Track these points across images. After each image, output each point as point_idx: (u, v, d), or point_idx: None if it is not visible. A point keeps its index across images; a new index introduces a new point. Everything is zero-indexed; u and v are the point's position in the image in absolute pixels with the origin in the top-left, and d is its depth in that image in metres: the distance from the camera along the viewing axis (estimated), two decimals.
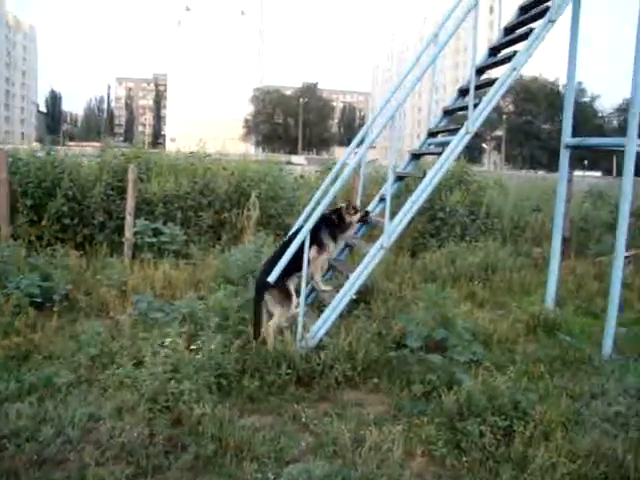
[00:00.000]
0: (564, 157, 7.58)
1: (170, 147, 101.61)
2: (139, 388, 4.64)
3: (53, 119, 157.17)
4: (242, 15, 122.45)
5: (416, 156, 7.03)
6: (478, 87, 6.44)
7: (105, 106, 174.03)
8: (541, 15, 6.09)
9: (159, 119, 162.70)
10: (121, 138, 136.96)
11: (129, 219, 9.90)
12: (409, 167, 7.03)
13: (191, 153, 12.36)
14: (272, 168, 12.24)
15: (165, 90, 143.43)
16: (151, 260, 9.09)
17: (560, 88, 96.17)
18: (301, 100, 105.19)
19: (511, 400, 4.60)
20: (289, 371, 5.30)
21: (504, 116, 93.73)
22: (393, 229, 5.76)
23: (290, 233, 6.51)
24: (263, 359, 5.42)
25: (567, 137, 7.42)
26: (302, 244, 5.68)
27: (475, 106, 5.85)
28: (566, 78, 7.73)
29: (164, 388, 4.57)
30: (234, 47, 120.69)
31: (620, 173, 6.84)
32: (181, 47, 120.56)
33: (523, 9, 7.01)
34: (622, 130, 7.93)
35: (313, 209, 6.30)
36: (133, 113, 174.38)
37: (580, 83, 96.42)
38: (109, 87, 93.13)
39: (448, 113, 7.11)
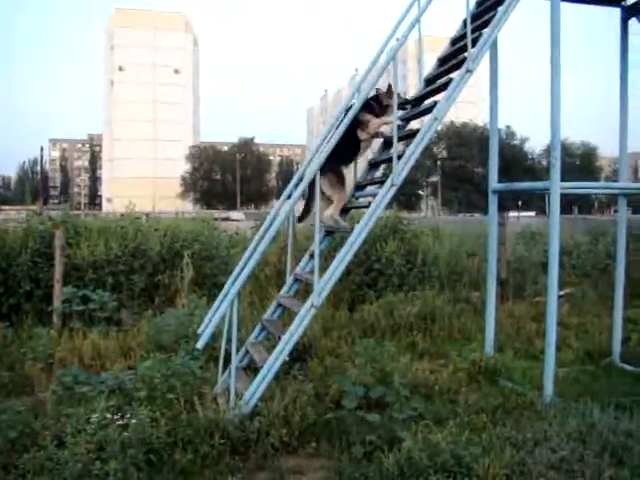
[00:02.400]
0: (492, 202, 7.65)
1: (107, 208, 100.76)
2: (61, 471, 4.34)
3: None
4: (176, 73, 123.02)
5: (345, 209, 6.97)
6: (402, 138, 6.46)
7: (39, 168, 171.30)
8: (459, 65, 6.16)
9: (95, 180, 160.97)
10: (56, 200, 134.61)
11: (57, 287, 9.54)
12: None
13: (122, 215, 12.09)
14: (205, 226, 12.05)
15: (100, 151, 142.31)
16: (80, 329, 8.73)
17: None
18: (237, 156, 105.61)
19: (453, 455, 4.47)
20: (223, 441, 5.06)
21: (438, 162, 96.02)
22: (323, 286, 5.63)
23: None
24: (195, 430, 5.15)
25: (494, 183, 7.50)
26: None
27: (400, 157, 5.84)
28: (489, 126, 7.86)
29: (88, 470, 4.29)
30: (169, 105, 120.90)
31: None
32: (115, 107, 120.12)
33: (442, 60, 7.12)
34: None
35: (243, 267, 6.13)
36: (68, 174, 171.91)
37: (509, 127, 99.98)
38: (42, 149, 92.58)
39: (374, 166, 7.10)
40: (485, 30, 6.16)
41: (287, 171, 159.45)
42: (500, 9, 6.16)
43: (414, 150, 5.85)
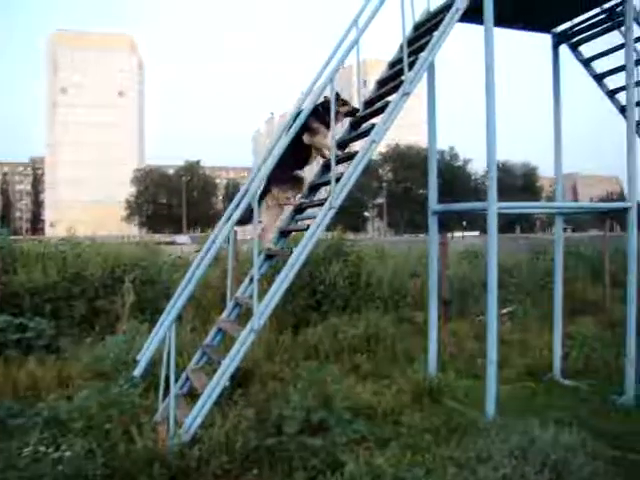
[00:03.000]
0: (432, 223, 7.76)
1: (50, 233, 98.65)
2: None
3: None
4: (120, 96, 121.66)
5: (285, 233, 6.94)
6: (342, 160, 6.49)
7: None
8: (397, 88, 6.22)
9: (38, 204, 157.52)
10: None
11: None
12: (279, 244, 6.92)
13: (62, 240, 11.84)
14: (148, 251, 11.88)
15: (43, 174, 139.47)
16: (17, 358, 8.45)
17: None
18: (183, 179, 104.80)
19: (396, 478, 4.45)
20: (162, 471, 4.93)
21: (384, 184, 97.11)
22: (262, 311, 5.58)
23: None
24: (133, 461, 5.00)
25: (433, 204, 7.60)
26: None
27: (338, 180, 5.86)
28: (428, 149, 7.97)
29: None
30: (113, 128, 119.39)
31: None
32: (58, 129, 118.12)
33: (380, 83, 7.19)
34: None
35: (181, 293, 6.05)
36: (10, 198, 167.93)
37: (452, 148, 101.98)
38: None
39: (313, 188, 7.10)
40: (422, 54, 6.24)
41: (233, 194, 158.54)
42: (435, 34, 6.27)
43: (352, 173, 5.87)
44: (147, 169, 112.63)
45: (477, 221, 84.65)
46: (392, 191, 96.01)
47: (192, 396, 6.17)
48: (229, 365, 5.49)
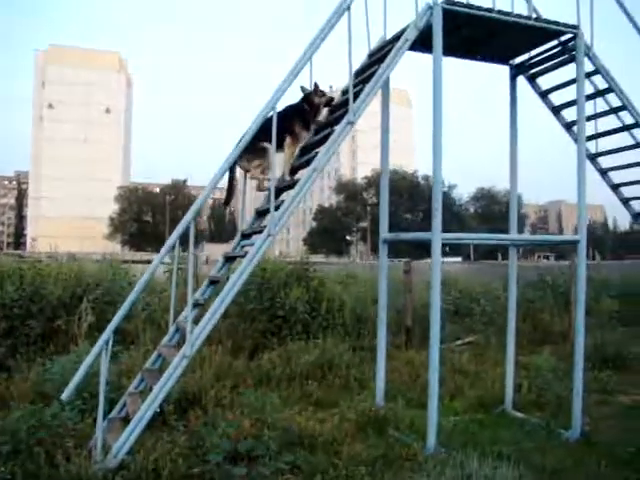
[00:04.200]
0: (382, 251, 7.77)
1: (31, 248, 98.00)
2: None
3: None
4: (107, 113, 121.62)
5: (230, 258, 6.90)
6: (285, 188, 6.47)
7: None
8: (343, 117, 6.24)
9: (21, 219, 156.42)
10: None
11: None
12: (223, 270, 6.87)
13: (20, 257, 11.74)
14: (111, 270, 11.77)
15: (28, 188, 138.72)
16: None
17: (420, 180, 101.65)
18: (167, 197, 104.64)
19: None
20: None
21: (368, 208, 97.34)
22: (196, 337, 5.53)
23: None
24: None
25: (384, 232, 7.61)
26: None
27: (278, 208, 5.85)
28: (381, 175, 7.98)
29: None
30: (99, 145, 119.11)
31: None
32: (43, 144, 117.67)
33: (331, 110, 7.20)
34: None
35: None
36: None
37: None
38: None
39: (261, 214, 7.08)
40: (367, 84, 6.26)
41: (219, 214, 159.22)
42: (382, 65, 6.29)
43: (292, 201, 5.87)
44: (131, 187, 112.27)
45: (460, 247, 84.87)
46: (376, 215, 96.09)
47: (127, 421, 6.09)
48: (160, 391, 5.43)
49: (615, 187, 8.41)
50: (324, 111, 7.18)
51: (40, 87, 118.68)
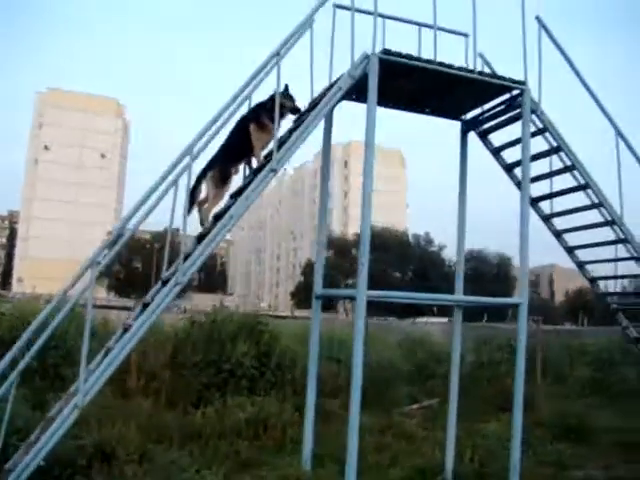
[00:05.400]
0: (316, 306, 7.45)
1: (17, 289, 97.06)
2: None
3: None
4: (102, 157, 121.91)
5: (146, 305, 6.56)
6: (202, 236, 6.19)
7: None
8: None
9: (11, 258, 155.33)
10: None
11: None
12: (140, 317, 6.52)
13: None
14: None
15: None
16: None
17: (410, 238, 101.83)
18: (156, 245, 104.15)
19: None
20: None
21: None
22: (90, 386, 5.19)
23: None
24: None
25: (318, 288, 7.31)
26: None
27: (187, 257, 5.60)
28: (317, 233, 7.72)
29: None
30: (92, 189, 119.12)
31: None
32: (37, 185, 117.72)
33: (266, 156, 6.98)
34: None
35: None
36: None
37: (428, 233, 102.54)
38: None
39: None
40: (294, 133, 6.06)
41: (211, 264, 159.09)
42: (312, 113, 6.09)
43: (202, 250, 5.67)
44: (123, 232, 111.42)
45: (449, 307, 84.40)
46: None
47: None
48: (47, 442, 5.03)
49: (570, 250, 8.17)
50: (289, 116, 6.90)
51: (37, 128, 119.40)
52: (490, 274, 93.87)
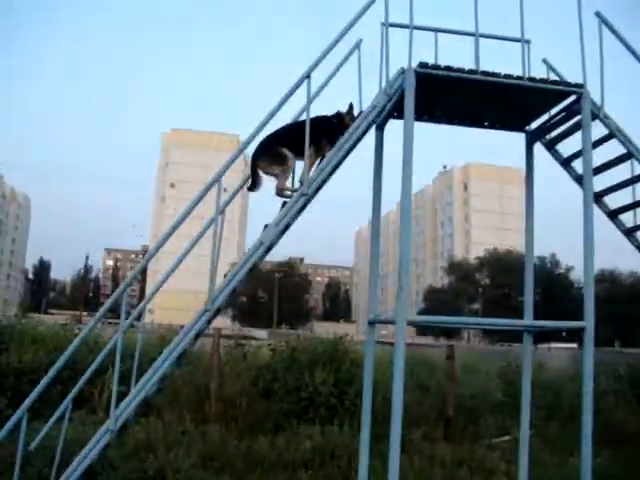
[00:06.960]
0: (370, 332, 7.12)
1: (148, 319, 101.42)
2: None
3: (40, 287, 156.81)
4: (225, 192, 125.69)
5: None
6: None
7: (93, 276, 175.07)
8: None
9: (143, 292, 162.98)
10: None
11: None
12: None
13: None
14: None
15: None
16: None
17: (535, 261, 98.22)
18: (277, 275, 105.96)
19: None
20: None
21: (480, 289, 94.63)
22: (122, 410, 5.23)
23: None
24: None
25: (371, 315, 7.03)
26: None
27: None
28: (370, 265, 7.48)
29: None
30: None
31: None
32: (164, 221, 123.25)
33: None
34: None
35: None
36: (119, 283, 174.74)
37: (554, 255, 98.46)
38: (87, 257, 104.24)
39: None
40: (327, 154, 5.93)
41: (334, 292, 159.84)
42: (346, 133, 5.94)
43: (233, 275, 5.62)
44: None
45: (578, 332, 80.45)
46: (489, 297, 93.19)
47: None
48: (78, 465, 5.11)
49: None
50: None
51: (164, 167, 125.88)
52: (624, 295, 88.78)
